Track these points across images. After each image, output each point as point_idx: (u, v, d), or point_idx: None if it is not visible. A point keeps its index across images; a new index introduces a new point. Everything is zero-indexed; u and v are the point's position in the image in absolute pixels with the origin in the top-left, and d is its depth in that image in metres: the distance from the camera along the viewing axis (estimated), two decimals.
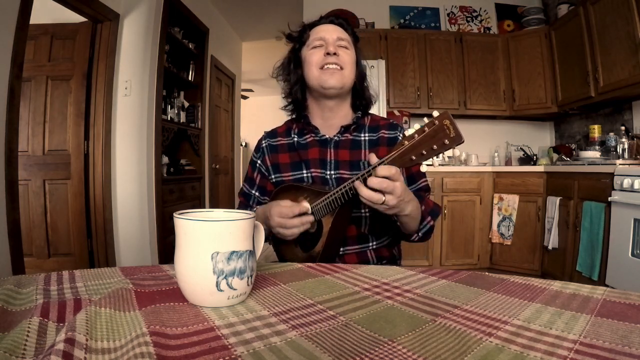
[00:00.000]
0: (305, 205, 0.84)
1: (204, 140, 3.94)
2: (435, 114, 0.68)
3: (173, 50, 3.46)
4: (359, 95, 1.01)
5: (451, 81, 3.41)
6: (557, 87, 3.17)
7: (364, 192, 0.72)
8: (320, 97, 0.97)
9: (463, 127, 0.69)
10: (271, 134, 1.07)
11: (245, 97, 6.76)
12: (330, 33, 0.95)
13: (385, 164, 0.71)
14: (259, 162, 1.05)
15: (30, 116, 2.68)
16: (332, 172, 0.96)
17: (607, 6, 2.53)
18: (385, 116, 2.75)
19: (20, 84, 1.92)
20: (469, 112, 3.43)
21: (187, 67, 3.79)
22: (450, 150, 0.67)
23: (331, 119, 1.00)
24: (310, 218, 0.84)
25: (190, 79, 3.79)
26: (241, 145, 7.11)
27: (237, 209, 1.08)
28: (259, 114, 8.36)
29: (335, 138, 0.98)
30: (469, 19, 3.75)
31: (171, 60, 3.42)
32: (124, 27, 2.77)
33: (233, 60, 5.01)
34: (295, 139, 1.02)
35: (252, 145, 8.62)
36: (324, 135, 0.99)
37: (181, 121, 3.56)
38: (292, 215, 0.82)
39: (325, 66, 0.92)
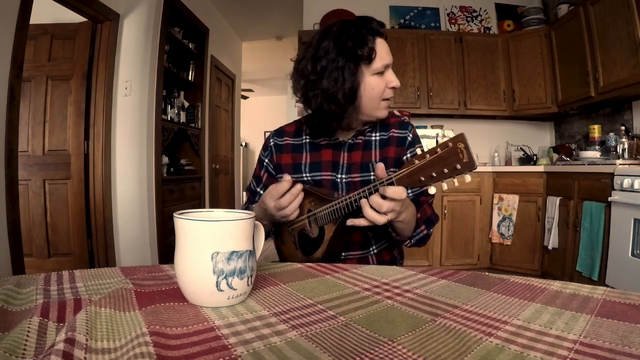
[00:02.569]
0: (287, 177, 0.84)
1: (204, 140, 3.94)
2: (451, 134, 0.65)
3: (173, 50, 3.46)
4: None
5: (451, 81, 3.40)
6: (557, 87, 3.17)
7: (368, 213, 0.72)
8: (360, 120, 0.93)
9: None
10: (278, 133, 1.05)
11: (245, 97, 6.76)
12: (389, 56, 0.89)
13: (393, 181, 0.70)
14: (266, 160, 1.04)
15: (30, 116, 2.68)
16: (344, 175, 0.95)
17: (607, 6, 2.53)
18: None
19: (20, 84, 1.92)
20: (469, 112, 3.43)
21: (187, 67, 3.79)
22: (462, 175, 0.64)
23: (351, 128, 0.97)
24: (299, 187, 0.83)
25: (190, 79, 3.79)
26: (241, 145, 7.12)
27: (243, 204, 1.07)
28: (259, 114, 8.36)
29: (350, 141, 0.96)
30: (469, 19, 3.75)
31: (171, 60, 3.42)
32: (124, 27, 2.77)
33: (233, 60, 5.01)
34: (308, 140, 1.00)
35: (252, 145, 8.63)
36: (338, 138, 0.97)
37: (181, 121, 3.56)
38: (282, 192, 0.82)
39: (386, 99, 0.90)
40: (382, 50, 0.88)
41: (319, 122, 0.93)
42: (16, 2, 1.86)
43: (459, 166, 0.62)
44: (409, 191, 0.97)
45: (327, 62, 0.85)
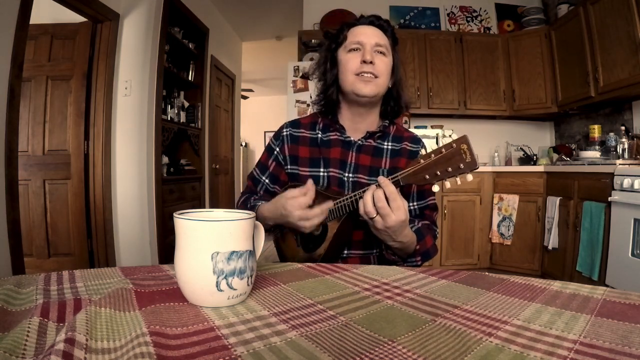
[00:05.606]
0: (312, 189, 0.82)
1: (204, 140, 3.94)
2: (455, 136, 0.69)
3: (173, 50, 3.46)
4: (393, 101, 1.00)
5: (451, 81, 3.41)
6: (557, 87, 3.17)
7: (366, 198, 0.74)
8: (352, 102, 0.97)
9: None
10: (294, 124, 1.05)
11: (245, 97, 6.76)
12: (369, 37, 0.93)
13: (399, 179, 0.73)
14: (277, 149, 1.03)
15: (30, 116, 2.68)
16: (350, 174, 0.96)
17: (607, 6, 2.53)
18: None
19: (20, 84, 1.92)
20: (469, 112, 3.43)
21: (187, 67, 3.79)
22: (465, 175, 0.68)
23: (359, 122, 0.99)
24: (330, 204, 0.82)
25: (190, 79, 3.79)
26: (241, 145, 7.12)
27: (243, 192, 1.07)
28: (259, 114, 8.37)
29: (359, 142, 0.98)
30: (469, 19, 3.75)
31: (171, 60, 3.42)
32: (124, 27, 2.77)
33: (233, 60, 5.01)
34: (320, 135, 1.01)
35: (252, 145, 8.63)
36: (349, 137, 0.99)
37: (181, 121, 3.56)
38: (310, 203, 0.81)
39: (361, 74, 0.91)
40: (358, 32, 0.95)
41: (325, 106, 1.01)
42: (16, 2, 1.86)
43: (462, 166, 0.66)
44: (415, 203, 0.98)
45: (320, 61, 1.02)
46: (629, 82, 2.39)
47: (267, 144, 1.08)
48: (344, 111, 1.00)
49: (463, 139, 0.66)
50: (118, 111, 2.76)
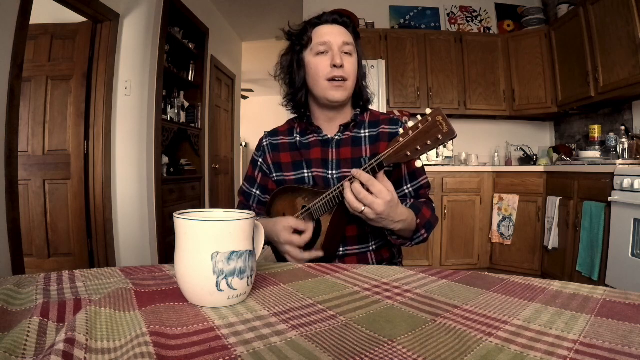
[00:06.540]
0: (310, 231, 0.86)
1: (204, 140, 3.94)
2: (428, 111, 0.70)
3: (173, 50, 3.46)
4: (358, 95, 1.02)
5: (451, 81, 3.41)
6: (557, 87, 3.18)
7: (347, 196, 0.76)
8: (323, 105, 0.98)
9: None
10: (272, 133, 1.08)
11: (245, 97, 6.76)
12: (335, 37, 0.93)
13: (382, 160, 0.75)
14: (260, 160, 1.06)
15: (30, 116, 2.68)
16: (335, 171, 0.97)
17: (607, 6, 2.53)
18: None
19: (20, 84, 1.92)
20: (469, 112, 3.43)
21: (187, 67, 3.79)
22: (450, 150, 0.69)
23: (333, 120, 1.01)
24: (320, 254, 0.86)
25: (190, 79, 3.79)
26: (241, 145, 7.11)
27: (237, 208, 1.09)
28: (259, 114, 8.36)
29: (337, 137, 0.99)
30: (469, 19, 3.75)
31: (171, 60, 3.42)
32: (124, 27, 2.77)
33: (233, 60, 5.01)
34: (298, 139, 1.02)
35: (252, 145, 8.62)
36: (326, 135, 1.00)
37: (181, 121, 3.56)
38: (302, 244, 0.85)
39: (332, 79, 0.91)
40: (323, 32, 0.94)
41: (296, 112, 1.02)
42: (16, 2, 1.86)
43: (440, 137, 0.68)
44: (409, 185, 0.99)
45: (285, 63, 1.02)
46: (629, 82, 2.39)
47: (251, 157, 1.10)
48: (316, 113, 1.01)
49: (437, 112, 0.69)
50: (118, 111, 2.76)
